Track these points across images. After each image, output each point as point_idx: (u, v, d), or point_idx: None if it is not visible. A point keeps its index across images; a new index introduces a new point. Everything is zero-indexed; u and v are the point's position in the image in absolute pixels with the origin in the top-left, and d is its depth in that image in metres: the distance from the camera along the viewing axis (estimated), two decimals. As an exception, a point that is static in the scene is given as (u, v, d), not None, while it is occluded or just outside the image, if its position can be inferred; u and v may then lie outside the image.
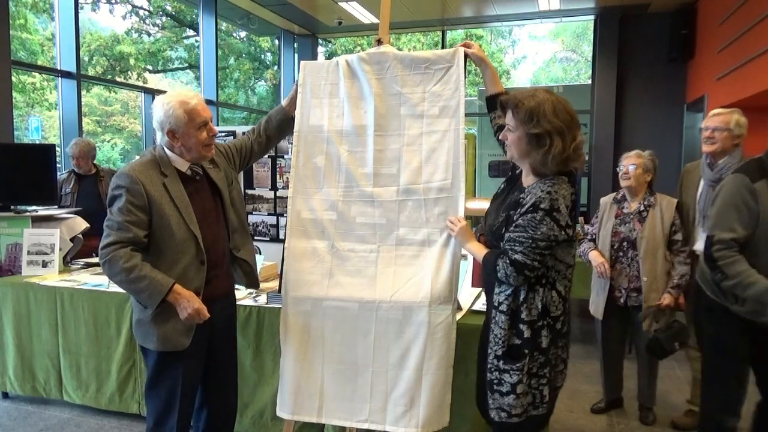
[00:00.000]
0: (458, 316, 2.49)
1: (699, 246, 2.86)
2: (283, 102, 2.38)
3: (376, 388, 2.17)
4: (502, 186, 2.00)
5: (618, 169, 3.04)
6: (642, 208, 2.96)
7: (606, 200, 3.13)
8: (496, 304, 1.81)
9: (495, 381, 1.80)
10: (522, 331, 1.75)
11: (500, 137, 1.91)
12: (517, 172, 1.95)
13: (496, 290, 1.82)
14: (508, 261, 1.72)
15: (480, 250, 1.90)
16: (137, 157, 2.09)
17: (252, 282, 2.27)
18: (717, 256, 2.10)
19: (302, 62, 2.39)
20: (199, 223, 2.01)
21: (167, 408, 2.03)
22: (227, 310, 2.23)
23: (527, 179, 1.83)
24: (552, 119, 1.68)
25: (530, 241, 1.68)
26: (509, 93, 1.80)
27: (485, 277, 1.93)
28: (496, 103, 2.13)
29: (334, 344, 2.22)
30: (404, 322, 2.13)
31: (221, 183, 2.15)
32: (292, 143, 3.54)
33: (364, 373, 2.18)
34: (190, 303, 1.90)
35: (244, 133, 2.42)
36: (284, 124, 2.38)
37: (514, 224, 1.73)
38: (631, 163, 2.95)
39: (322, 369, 2.23)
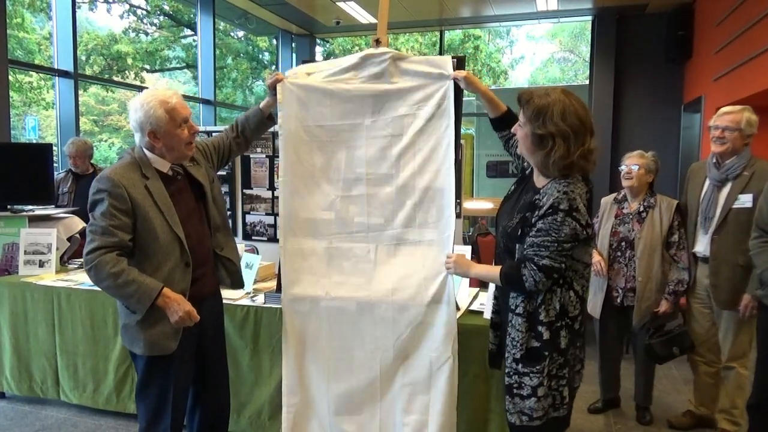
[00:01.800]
0: (456, 316, 2.49)
1: (699, 248, 2.85)
2: (261, 104, 2.33)
3: (386, 421, 2.19)
4: (513, 187, 1.97)
5: (620, 169, 3.03)
6: (642, 208, 2.96)
7: (607, 200, 3.13)
8: (513, 307, 1.77)
9: (515, 385, 1.77)
10: (541, 333, 1.72)
11: (512, 130, 1.87)
12: (527, 172, 1.92)
13: (512, 293, 1.79)
14: (535, 268, 1.67)
15: (492, 270, 1.84)
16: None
17: (236, 281, 2.26)
18: (750, 246, 2.24)
19: (279, 85, 2.23)
20: (183, 224, 1.99)
21: (159, 411, 2.02)
22: (215, 308, 2.22)
23: (539, 180, 1.79)
24: (558, 122, 1.64)
25: (556, 244, 1.65)
26: (528, 89, 1.76)
27: (507, 289, 1.86)
28: (501, 123, 2.09)
29: (337, 361, 2.22)
30: (404, 325, 2.13)
31: (203, 180, 2.13)
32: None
33: (373, 407, 2.20)
34: (180, 306, 1.89)
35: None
36: (261, 125, 2.35)
37: (535, 229, 1.69)
38: (633, 163, 2.94)
39: (327, 399, 2.24)
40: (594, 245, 3.06)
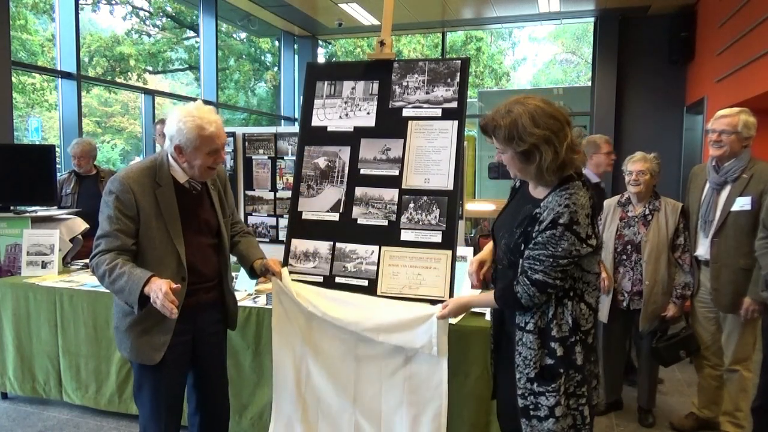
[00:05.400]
0: (458, 317, 2.49)
1: (700, 252, 2.84)
2: (255, 262, 2.18)
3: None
4: (509, 198, 1.92)
5: (624, 173, 3.00)
6: (647, 211, 2.94)
7: (610, 203, 3.11)
8: (522, 324, 1.70)
9: (531, 406, 1.69)
10: (554, 349, 1.65)
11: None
12: (517, 184, 1.88)
13: (519, 312, 1.72)
14: (528, 282, 1.63)
15: (486, 296, 1.80)
16: (136, 159, 2.07)
17: (232, 322, 2.23)
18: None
19: (273, 280, 2.17)
20: (188, 237, 1.97)
21: (154, 414, 2.04)
22: (215, 315, 2.16)
23: (536, 190, 1.73)
24: (533, 131, 1.58)
25: (551, 259, 1.60)
26: (486, 116, 1.69)
27: (507, 311, 1.80)
28: None
29: (334, 369, 2.17)
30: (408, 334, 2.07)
31: (218, 206, 2.11)
32: (292, 144, 3.56)
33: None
34: (158, 295, 1.73)
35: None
36: (241, 264, 2.25)
37: (533, 242, 1.63)
38: (640, 169, 2.91)
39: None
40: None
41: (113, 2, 10.52)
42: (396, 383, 2.08)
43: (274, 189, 3.71)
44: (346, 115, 2.34)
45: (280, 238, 3.61)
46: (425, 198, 2.17)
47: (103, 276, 1.86)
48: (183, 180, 2.00)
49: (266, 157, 3.69)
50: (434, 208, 2.16)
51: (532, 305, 1.66)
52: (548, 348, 1.66)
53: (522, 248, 1.68)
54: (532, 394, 1.69)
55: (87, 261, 3.66)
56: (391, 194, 2.21)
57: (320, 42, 9.79)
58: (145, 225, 1.91)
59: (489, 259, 1.96)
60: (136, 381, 2.07)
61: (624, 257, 2.96)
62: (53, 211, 3.77)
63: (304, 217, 2.31)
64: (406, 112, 2.24)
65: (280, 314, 2.22)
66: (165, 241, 1.93)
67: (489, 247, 1.97)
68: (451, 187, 2.14)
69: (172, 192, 1.97)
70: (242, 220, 2.39)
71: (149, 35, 11.09)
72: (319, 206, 2.30)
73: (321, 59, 10.87)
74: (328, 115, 2.37)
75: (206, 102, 1.89)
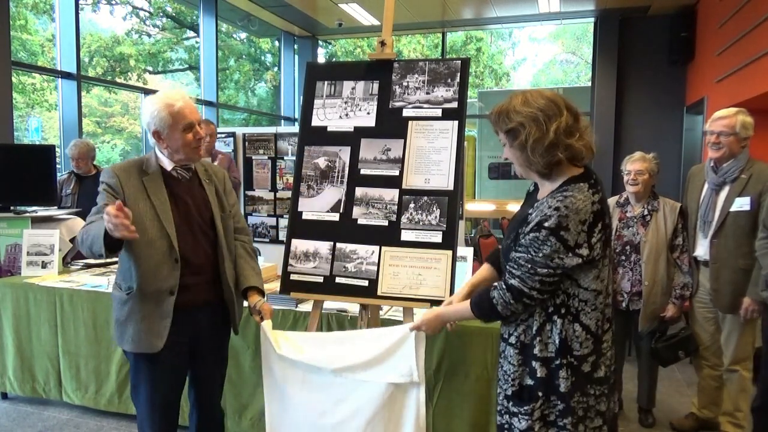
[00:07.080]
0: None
1: (699, 252, 2.85)
2: (250, 295, 2.12)
3: None
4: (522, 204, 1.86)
5: (623, 173, 3.00)
6: (646, 212, 2.94)
7: (608, 203, 3.11)
8: (506, 335, 1.61)
9: (505, 425, 1.59)
10: (535, 369, 1.51)
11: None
12: (531, 188, 1.81)
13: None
14: (504, 287, 1.51)
15: (462, 305, 1.67)
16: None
17: (234, 325, 2.17)
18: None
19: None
20: (178, 224, 1.97)
21: (148, 413, 2.05)
22: (214, 316, 2.12)
23: (542, 191, 1.63)
24: (521, 109, 1.51)
25: (529, 265, 1.47)
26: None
27: (484, 320, 1.66)
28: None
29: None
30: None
31: (212, 198, 2.08)
32: (292, 144, 3.57)
33: None
34: (109, 220, 1.64)
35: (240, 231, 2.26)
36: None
37: (518, 243, 1.53)
38: (638, 169, 2.91)
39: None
40: (606, 265, 3.01)
41: (113, 2, 10.53)
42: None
43: (274, 189, 3.71)
44: (346, 115, 2.34)
45: (280, 238, 3.62)
46: (425, 198, 2.17)
47: (81, 242, 1.89)
48: (170, 168, 2.03)
49: (266, 157, 3.70)
50: (434, 209, 2.16)
51: (509, 313, 1.53)
52: (529, 367, 1.54)
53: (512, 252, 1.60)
54: (507, 412, 1.58)
55: (87, 261, 3.68)
56: (391, 194, 2.21)
57: (320, 42, 9.79)
58: (133, 208, 1.86)
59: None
60: (132, 380, 2.09)
61: (623, 258, 2.96)
62: (53, 211, 3.78)
63: (304, 217, 2.31)
64: (406, 113, 2.25)
65: (269, 351, 2.12)
66: (155, 225, 1.94)
67: None
68: (451, 188, 2.15)
69: (159, 178, 2.00)
70: (248, 230, 2.35)
71: (149, 35, 11.09)
72: (319, 206, 2.30)
73: (321, 59, 10.88)
74: (328, 115, 2.37)
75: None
